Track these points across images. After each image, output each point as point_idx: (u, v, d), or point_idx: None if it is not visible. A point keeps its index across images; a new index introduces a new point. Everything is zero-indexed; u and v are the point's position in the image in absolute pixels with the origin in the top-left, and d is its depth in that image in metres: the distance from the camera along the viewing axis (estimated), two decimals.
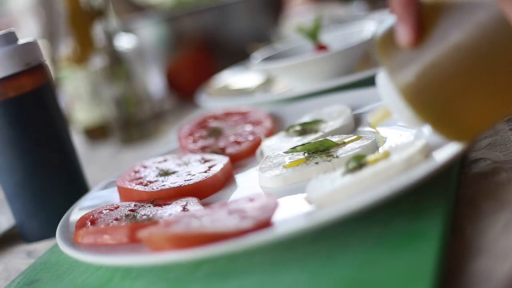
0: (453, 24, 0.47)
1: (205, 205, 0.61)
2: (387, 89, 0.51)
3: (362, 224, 0.50)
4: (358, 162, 0.54)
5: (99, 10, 1.15)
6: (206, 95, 1.08)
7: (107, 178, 0.77)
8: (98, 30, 1.14)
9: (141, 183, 0.68)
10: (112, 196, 0.70)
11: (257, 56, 1.07)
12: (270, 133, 0.78)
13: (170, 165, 0.72)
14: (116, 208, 0.63)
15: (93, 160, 1.13)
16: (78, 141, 1.22)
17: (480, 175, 0.56)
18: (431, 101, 0.48)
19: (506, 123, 0.66)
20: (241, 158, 0.75)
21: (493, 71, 0.46)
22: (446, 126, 0.49)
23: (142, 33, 1.41)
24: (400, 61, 0.49)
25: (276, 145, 0.71)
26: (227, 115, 0.86)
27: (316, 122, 0.72)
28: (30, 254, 0.70)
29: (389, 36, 0.50)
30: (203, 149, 0.77)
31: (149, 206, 0.63)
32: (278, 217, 0.52)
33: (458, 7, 0.47)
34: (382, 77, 0.52)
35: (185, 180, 0.67)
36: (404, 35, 0.48)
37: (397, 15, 0.49)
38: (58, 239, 0.59)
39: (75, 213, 0.66)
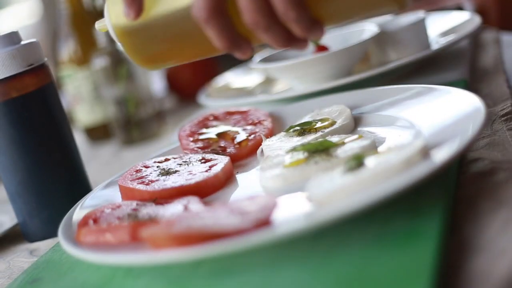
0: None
1: (206, 204, 0.61)
2: (106, 13, 0.64)
3: (361, 223, 0.50)
4: (357, 162, 0.54)
5: (101, 11, 1.15)
6: (207, 95, 1.08)
7: (109, 177, 0.77)
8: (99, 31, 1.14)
9: (142, 183, 0.68)
10: (114, 195, 0.70)
11: (257, 56, 1.07)
12: (270, 133, 0.78)
13: (171, 164, 0.72)
14: (118, 207, 0.63)
15: (94, 160, 1.13)
16: (80, 141, 1.22)
17: (479, 175, 0.56)
18: (126, 29, 0.63)
19: (504, 123, 0.66)
20: (242, 158, 0.75)
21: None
22: (130, 50, 0.64)
23: None
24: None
25: (276, 145, 0.71)
26: (228, 114, 0.86)
27: (322, 120, 0.73)
28: (33, 252, 0.70)
29: None
30: (204, 149, 0.77)
31: (151, 205, 0.63)
32: (278, 216, 0.52)
33: None
34: (106, 4, 0.65)
35: (186, 180, 0.67)
36: (128, 15, 0.61)
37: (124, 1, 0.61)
38: (60, 238, 0.60)
39: (77, 212, 0.66)
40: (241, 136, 0.79)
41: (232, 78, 1.17)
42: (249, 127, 0.81)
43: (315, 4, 0.56)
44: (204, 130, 0.82)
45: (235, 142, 0.77)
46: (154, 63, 0.66)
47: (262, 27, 0.55)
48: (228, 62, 1.32)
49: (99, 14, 1.15)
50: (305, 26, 0.55)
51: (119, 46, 0.67)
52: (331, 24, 0.59)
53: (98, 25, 0.67)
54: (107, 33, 1.13)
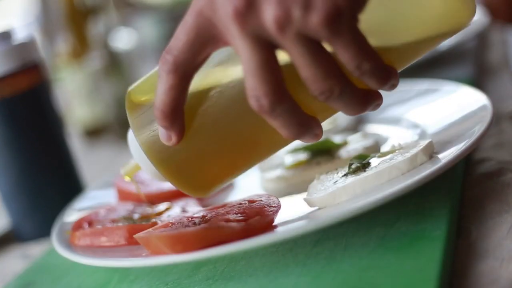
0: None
1: (204, 206, 0.61)
2: (134, 144, 0.52)
3: (365, 226, 0.49)
4: (361, 163, 0.53)
5: (98, 6, 1.15)
6: None
7: (106, 178, 0.76)
8: (97, 27, 1.14)
9: (139, 184, 0.67)
10: (110, 196, 0.69)
11: None
12: None
13: None
14: (114, 209, 0.62)
15: (91, 159, 1.13)
16: (77, 140, 1.22)
17: (485, 176, 0.55)
18: (171, 161, 0.50)
19: (511, 123, 0.65)
20: None
21: (225, 143, 0.50)
22: (184, 184, 0.51)
23: (142, 31, 1.41)
24: (147, 120, 0.50)
25: None
26: None
27: None
28: (26, 256, 0.70)
29: (139, 91, 0.52)
30: None
31: (148, 207, 0.62)
32: (279, 218, 0.52)
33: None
34: (131, 133, 0.52)
35: None
36: (167, 140, 0.49)
37: (160, 123, 0.49)
38: (54, 241, 0.59)
39: (72, 214, 0.65)
40: None
41: None
42: None
43: (384, 48, 0.47)
44: None
45: None
46: (211, 186, 0.53)
47: (336, 94, 0.45)
48: None
49: (96, 10, 1.15)
50: (381, 75, 0.46)
51: (163, 180, 0.52)
52: (401, 67, 0.49)
53: (125, 170, 0.57)
54: (105, 30, 1.12)
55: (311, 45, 0.43)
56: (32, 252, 0.71)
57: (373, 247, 0.46)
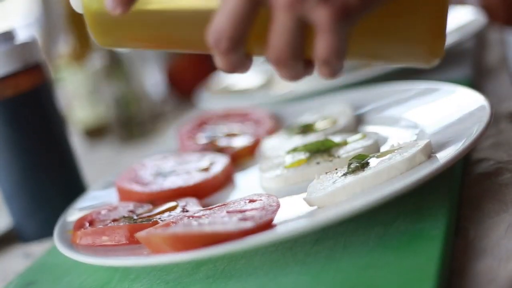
0: None
1: (205, 205, 0.61)
2: None
3: (364, 225, 0.49)
4: (360, 163, 0.53)
5: None
6: (207, 95, 1.08)
7: (107, 178, 0.76)
8: None
9: (140, 183, 0.67)
10: (111, 196, 0.69)
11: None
12: (271, 133, 0.77)
13: (169, 165, 0.72)
14: (115, 208, 0.62)
15: (92, 159, 1.13)
16: (78, 140, 1.22)
17: (484, 176, 0.55)
18: (99, 11, 0.51)
19: (510, 123, 0.65)
20: (242, 158, 0.74)
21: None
22: (94, 29, 0.52)
23: None
24: None
25: (277, 145, 0.70)
26: (228, 115, 0.85)
27: (323, 119, 0.72)
28: (28, 255, 0.70)
29: None
30: (204, 149, 0.76)
31: (148, 207, 0.62)
32: (279, 218, 0.52)
33: None
34: None
35: (184, 181, 0.66)
36: (112, 9, 0.49)
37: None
38: (56, 240, 0.59)
39: (73, 214, 0.65)
40: (241, 137, 0.78)
41: (233, 79, 1.16)
42: (249, 127, 0.80)
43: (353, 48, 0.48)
44: (204, 130, 0.82)
45: (235, 143, 0.77)
46: (115, 45, 0.55)
47: (288, 66, 0.47)
48: None
49: None
50: (336, 72, 0.48)
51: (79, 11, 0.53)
52: (349, 60, 0.51)
53: None
54: None
55: (299, 23, 0.44)
56: (33, 251, 0.70)
57: (372, 246, 0.46)
